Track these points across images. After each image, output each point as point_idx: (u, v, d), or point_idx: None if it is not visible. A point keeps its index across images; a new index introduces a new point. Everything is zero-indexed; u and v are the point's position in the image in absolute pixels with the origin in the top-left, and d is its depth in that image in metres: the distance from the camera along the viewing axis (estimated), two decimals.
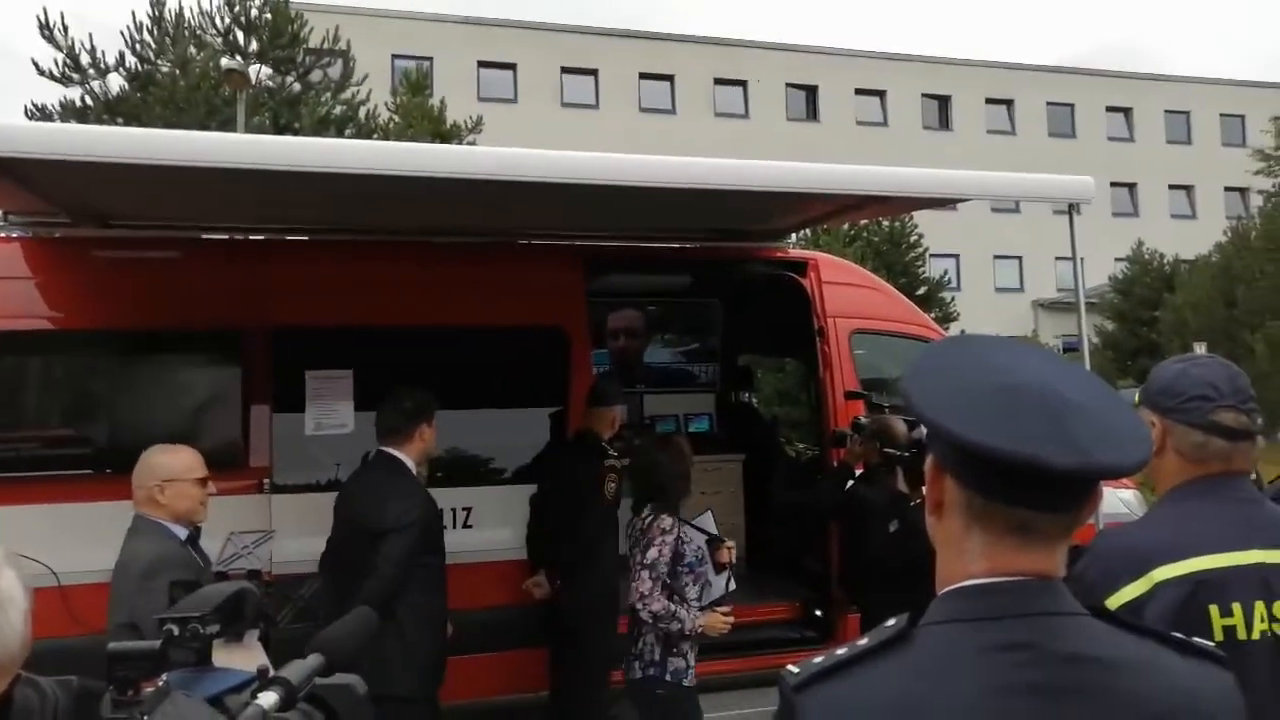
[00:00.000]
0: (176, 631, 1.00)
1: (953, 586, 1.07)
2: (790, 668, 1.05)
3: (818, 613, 5.67)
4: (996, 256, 35.34)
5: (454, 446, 5.09)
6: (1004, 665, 0.99)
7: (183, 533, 3.23)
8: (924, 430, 1.15)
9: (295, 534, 4.29)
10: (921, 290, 21.78)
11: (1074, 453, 0.98)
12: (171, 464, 3.23)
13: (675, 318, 7.66)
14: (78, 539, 4.23)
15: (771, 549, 6.76)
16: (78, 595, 4.16)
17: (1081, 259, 5.06)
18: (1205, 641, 1.14)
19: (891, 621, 1.06)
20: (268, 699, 0.99)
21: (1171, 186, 38.37)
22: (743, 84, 34.89)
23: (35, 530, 4.36)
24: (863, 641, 1.05)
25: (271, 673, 1.04)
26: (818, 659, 1.05)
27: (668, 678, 4.01)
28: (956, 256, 32.95)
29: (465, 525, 4.90)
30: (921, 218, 24.42)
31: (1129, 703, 1.00)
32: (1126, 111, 38.62)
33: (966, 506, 1.06)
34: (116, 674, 0.89)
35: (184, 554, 3.16)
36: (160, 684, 0.89)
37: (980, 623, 1.02)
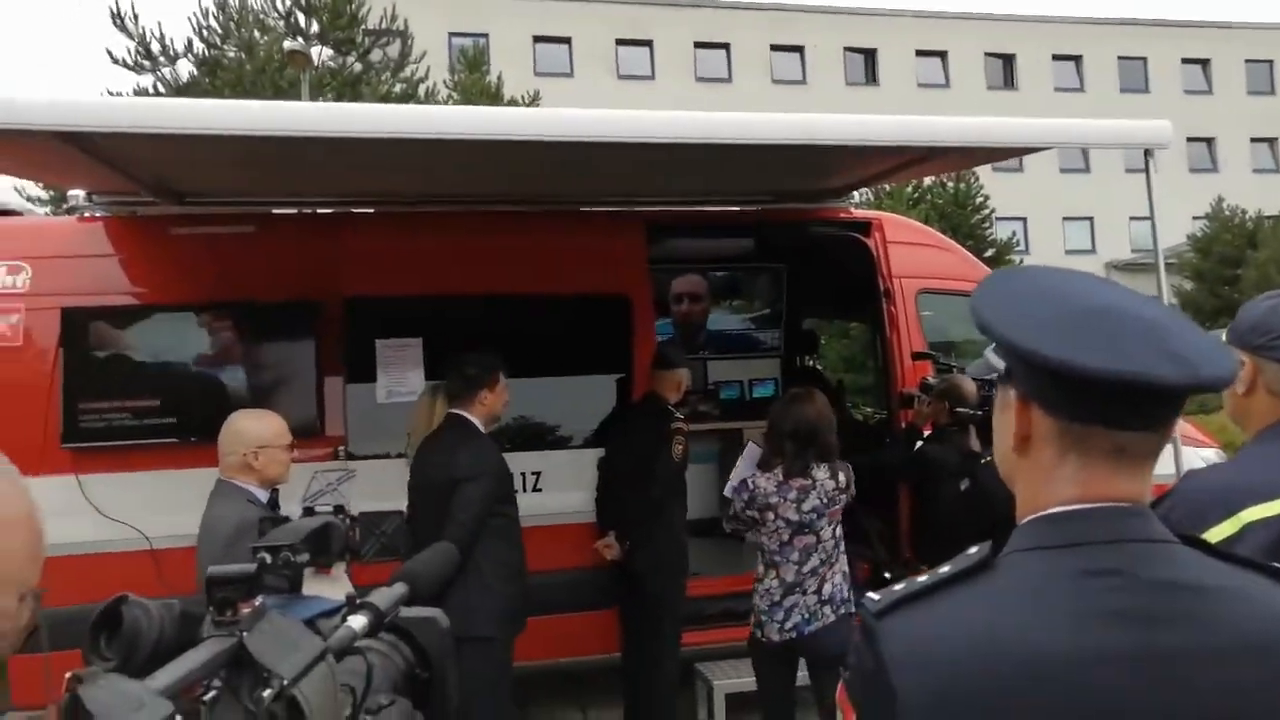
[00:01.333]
0: (269, 559, 1.04)
1: (1038, 514, 1.04)
2: (871, 595, 1.04)
3: (887, 575, 5.63)
4: (1065, 218, 34.34)
5: (521, 413, 5.15)
6: (1093, 591, 0.97)
7: (264, 496, 3.35)
8: (999, 365, 1.12)
9: (370, 500, 4.39)
10: (989, 253, 21.30)
11: (1179, 366, 0.96)
12: (264, 430, 3.35)
13: (738, 282, 7.61)
14: (166, 505, 4.40)
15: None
16: (167, 559, 4.35)
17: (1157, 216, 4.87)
18: None
19: (974, 549, 1.04)
20: (357, 622, 1.02)
21: (1254, 139, 36.73)
22: (799, 49, 34.33)
23: (127, 497, 4.56)
24: (945, 569, 1.02)
25: (359, 600, 1.07)
26: (899, 586, 1.03)
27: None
28: (1024, 220, 32.11)
29: (535, 489, 4.96)
30: (987, 180, 23.86)
31: (1226, 630, 0.97)
32: (1204, 63, 37.02)
33: (1061, 434, 1.02)
34: (216, 596, 0.93)
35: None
36: (257, 604, 0.92)
37: (1068, 549, 1.00)
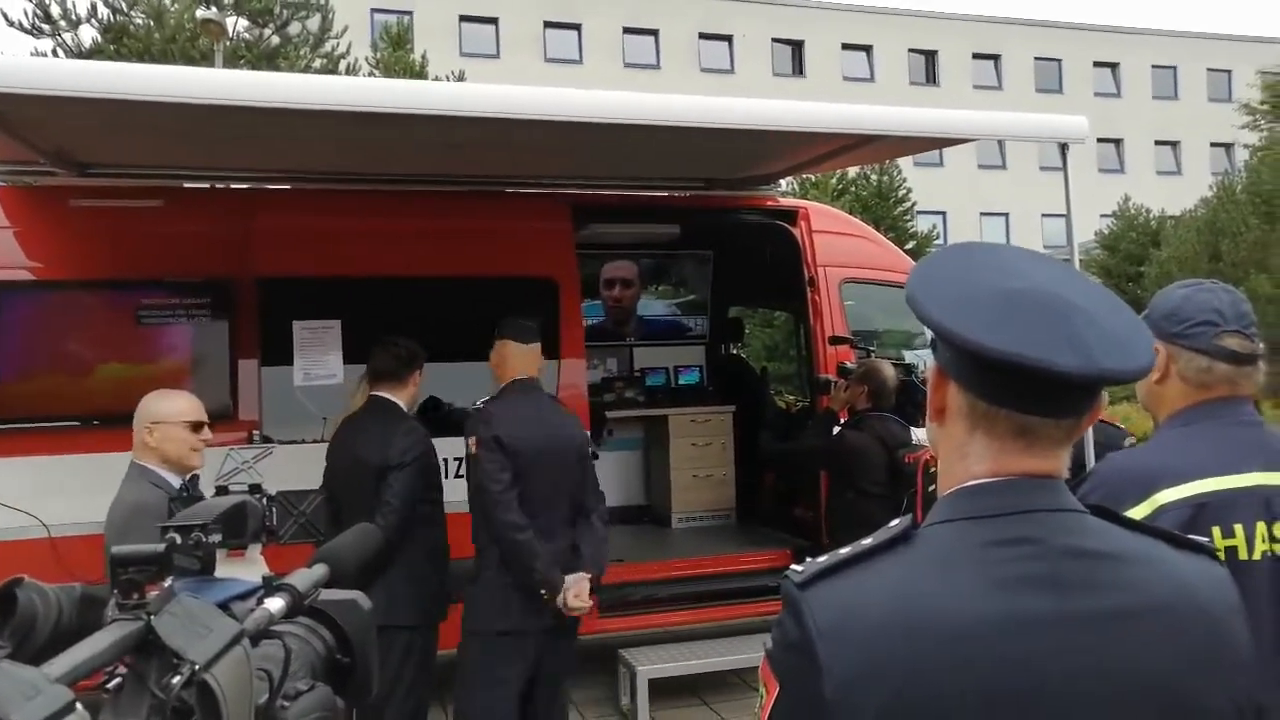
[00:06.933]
0: (179, 540, 0.98)
1: (955, 488, 1.07)
2: (794, 568, 1.04)
3: (809, 560, 5.71)
4: (983, 213, 35.32)
5: (446, 398, 5.07)
6: (1006, 559, 1.00)
7: (174, 480, 3.17)
8: (929, 344, 1.14)
9: (288, 480, 4.26)
10: (909, 245, 21.77)
11: (1080, 357, 0.97)
12: (162, 407, 3.19)
13: (665, 269, 7.62)
14: (65, 491, 4.21)
15: (762, 498, 6.81)
16: (68, 547, 4.15)
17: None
18: (1198, 537, 1.15)
19: (895, 522, 1.06)
20: (275, 604, 0.97)
21: (1158, 142, 38.32)
22: (728, 39, 34.51)
23: (23, 483, 4.33)
24: (866, 542, 1.04)
25: (276, 581, 1.02)
26: (821, 559, 1.04)
27: None
28: (944, 214, 32.90)
29: (457, 475, 4.88)
30: (909, 174, 24.37)
31: (1130, 593, 1.01)
32: (1114, 67, 38.44)
33: (970, 411, 1.05)
34: (121, 578, 0.87)
35: (164, 505, 3.03)
36: (166, 586, 0.87)
37: (982, 520, 1.02)
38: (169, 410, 3.18)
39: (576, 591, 3.68)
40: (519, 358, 3.87)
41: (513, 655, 3.64)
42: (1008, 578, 0.99)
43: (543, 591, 3.61)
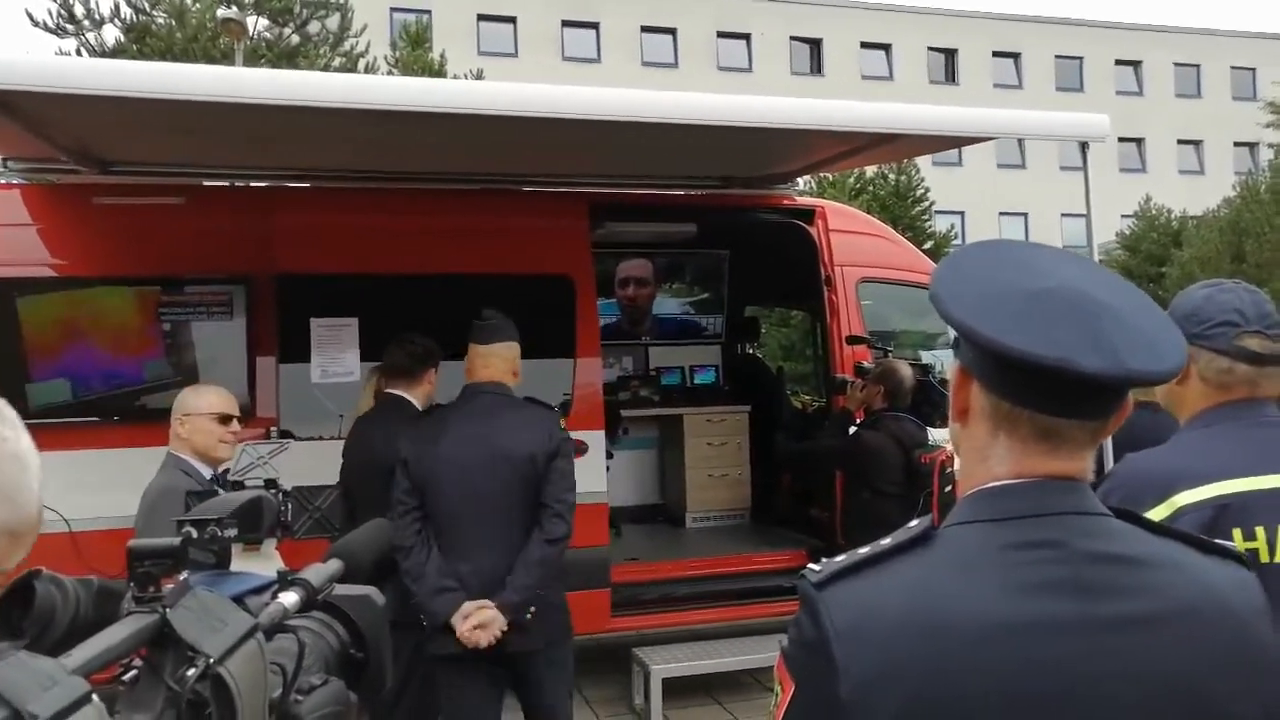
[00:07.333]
0: (195, 534, 0.99)
1: (976, 489, 1.05)
2: (811, 567, 1.03)
3: (824, 560, 5.69)
4: (1002, 213, 35.10)
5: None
6: (1028, 562, 0.98)
7: (207, 471, 3.29)
8: (950, 340, 1.13)
9: (303, 475, 4.28)
10: (927, 245, 21.67)
11: (1106, 357, 0.95)
12: (193, 400, 3.34)
13: (681, 267, 7.61)
14: (86, 486, 4.24)
15: (778, 498, 6.80)
16: (88, 542, 4.18)
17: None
18: (1223, 541, 1.12)
19: (914, 523, 1.04)
20: (289, 599, 0.98)
21: (1180, 141, 37.93)
22: (746, 37, 34.45)
23: (45, 478, 4.37)
24: (885, 542, 1.03)
25: (291, 576, 1.03)
26: (839, 558, 1.03)
27: None
28: (962, 213, 32.73)
29: None
30: (928, 173, 24.27)
31: (1155, 597, 1.00)
32: (1135, 65, 38.09)
33: (992, 412, 1.03)
34: (137, 571, 0.87)
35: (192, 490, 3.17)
36: (181, 580, 0.87)
37: (1004, 522, 1.01)
38: (199, 404, 3.32)
39: (469, 620, 3.20)
40: (476, 360, 3.47)
41: (476, 676, 3.34)
42: (1029, 581, 0.98)
43: (421, 617, 3.28)
